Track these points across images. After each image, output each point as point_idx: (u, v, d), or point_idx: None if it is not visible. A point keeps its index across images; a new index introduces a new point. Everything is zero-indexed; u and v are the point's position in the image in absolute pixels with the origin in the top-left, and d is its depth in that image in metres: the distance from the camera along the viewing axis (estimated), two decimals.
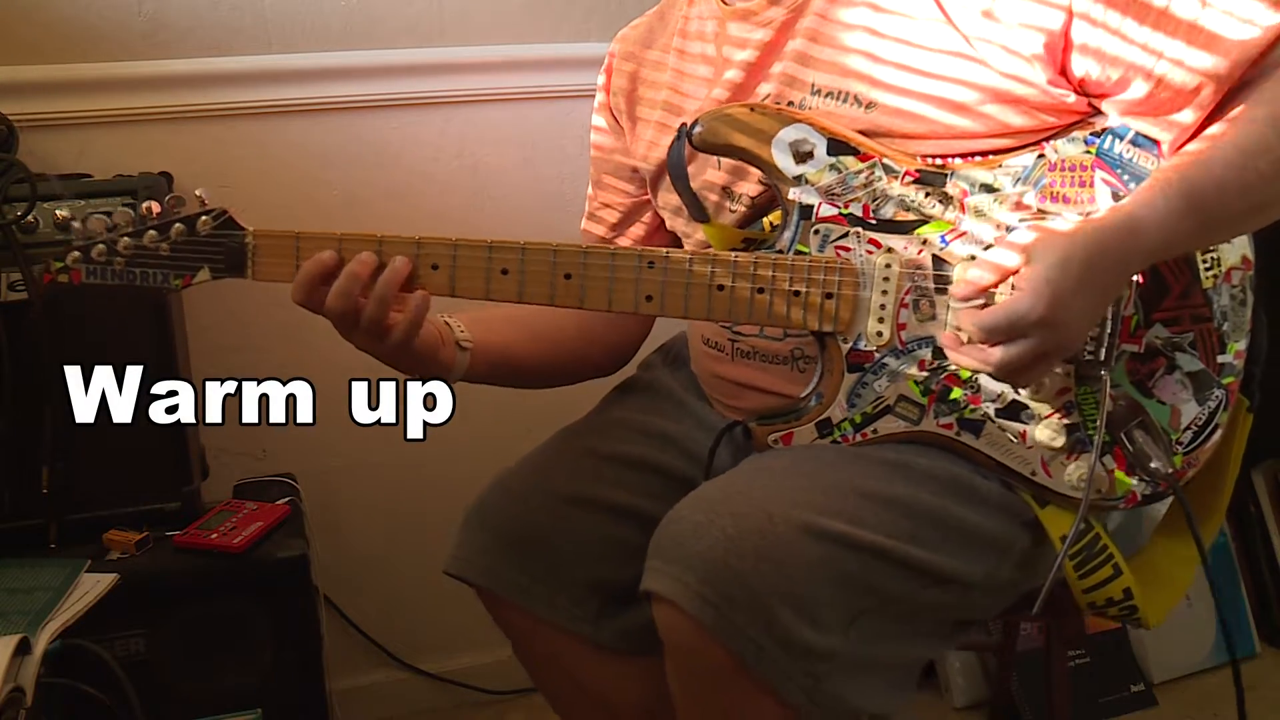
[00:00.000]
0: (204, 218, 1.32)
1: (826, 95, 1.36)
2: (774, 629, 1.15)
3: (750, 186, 1.43)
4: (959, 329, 1.26)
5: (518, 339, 1.54)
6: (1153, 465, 1.30)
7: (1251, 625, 2.49)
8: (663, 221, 1.63)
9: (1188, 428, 1.34)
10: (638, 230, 1.68)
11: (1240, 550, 2.55)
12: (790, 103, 1.39)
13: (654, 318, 1.64)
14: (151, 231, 1.32)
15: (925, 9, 1.31)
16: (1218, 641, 2.44)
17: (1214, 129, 1.24)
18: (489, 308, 1.40)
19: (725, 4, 1.47)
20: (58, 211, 1.74)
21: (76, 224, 1.32)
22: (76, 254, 1.32)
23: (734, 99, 1.43)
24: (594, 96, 1.69)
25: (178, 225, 1.32)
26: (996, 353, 1.19)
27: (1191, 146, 1.25)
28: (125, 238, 1.32)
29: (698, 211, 1.43)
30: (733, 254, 1.32)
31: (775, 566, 1.16)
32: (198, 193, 1.34)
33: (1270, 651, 2.49)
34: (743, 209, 1.44)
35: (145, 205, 1.32)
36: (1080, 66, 1.26)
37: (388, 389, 2.11)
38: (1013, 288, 1.19)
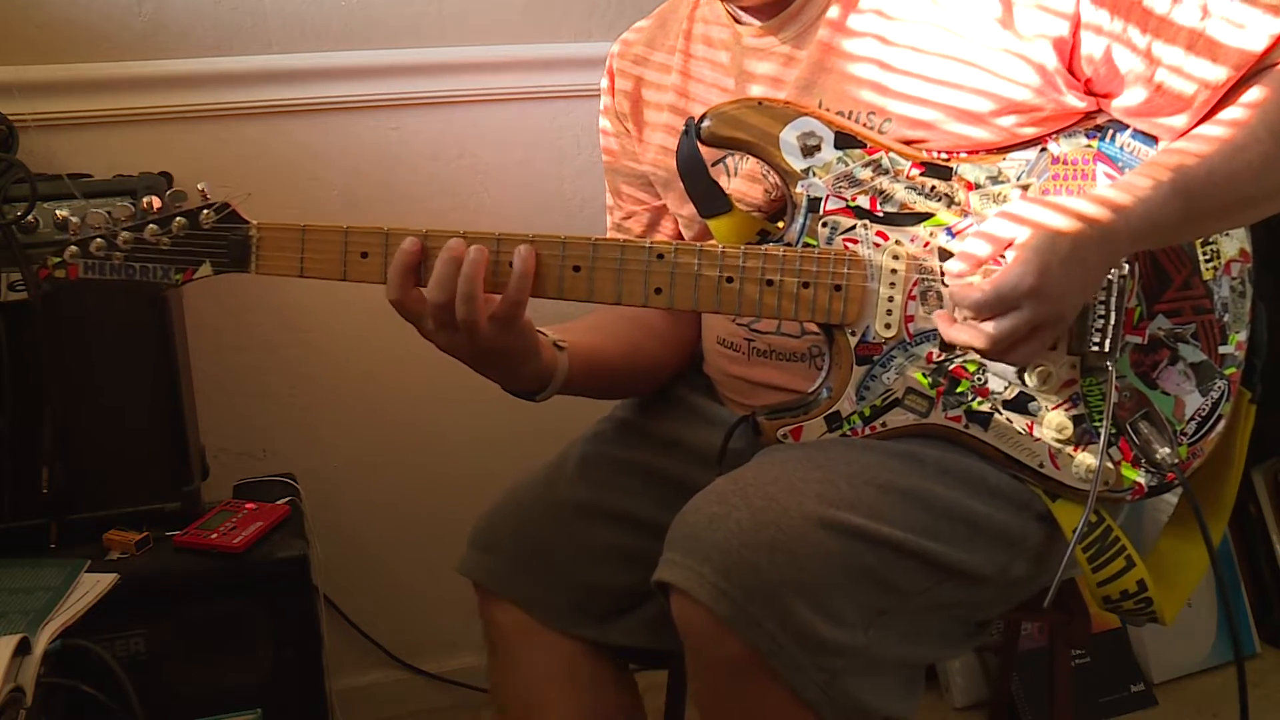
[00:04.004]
0: (206, 211, 1.31)
1: (836, 114, 1.37)
2: (789, 622, 1.15)
3: (756, 192, 1.44)
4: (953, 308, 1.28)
5: (602, 342, 1.51)
6: (1158, 456, 1.31)
7: (1252, 625, 2.50)
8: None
9: (1192, 418, 1.35)
10: (659, 237, 1.66)
11: (1240, 550, 2.56)
12: None
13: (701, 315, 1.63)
14: (152, 225, 1.30)
15: (932, 16, 1.32)
16: (1218, 641, 2.45)
17: (1210, 122, 1.27)
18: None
19: (738, 22, 1.48)
20: (58, 211, 1.73)
21: (75, 219, 1.30)
22: (74, 249, 1.30)
23: None
24: (595, 96, 1.68)
25: (179, 219, 1.31)
26: (989, 326, 1.20)
27: (1186, 136, 1.27)
28: (125, 232, 1.30)
29: (712, 204, 1.38)
30: (741, 247, 1.32)
31: (790, 558, 1.16)
32: (200, 187, 1.33)
33: (1270, 651, 2.50)
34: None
35: (146, 200, 1.31)
36: (1085, 71, 1.29)
37: (388, 390, 2.10)
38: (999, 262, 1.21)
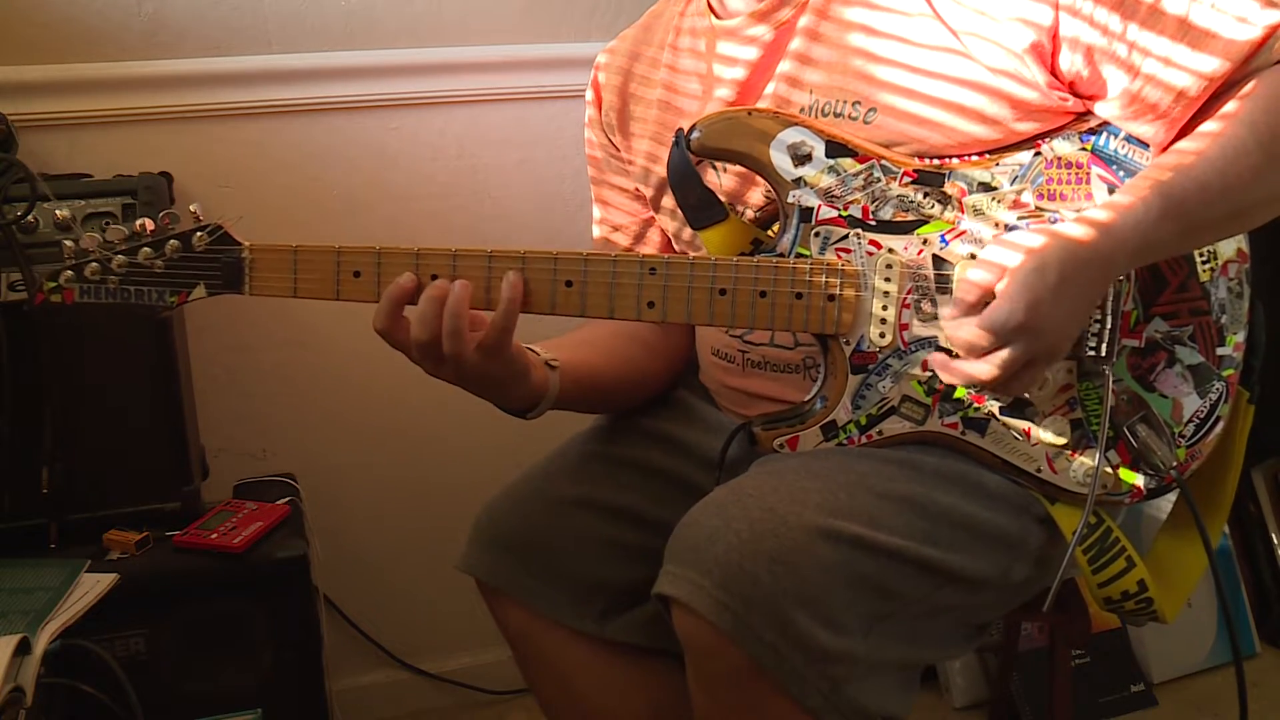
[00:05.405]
0: (199, 233, 1.30)
1: (821, 113, 1.36)
2: (790, 632, 1.15)
3: (757, 196, 1.43)
4: (947, 350, 1.28)
5: (594, 359, 1.51)
6: (1156, 459, 1.31)
7: (1252, 625, 2.50)
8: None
9: (1190, 420, 1.35)
10: (647, 248, 1.66)
11: (1240, 550, 2.55)
12: None
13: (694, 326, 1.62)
14: (146, 249, 1.30)
15: (917, 5, 1.31)
16: (1218, 641, 2.45)
17: (1198, 131, 1.25)
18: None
19: (717, 18, 1.47)
20: (58, 211, 1.74)
21: (69, 242, 1.30)
22: (70, 273, 1.30)
23: None
24: None
25: (173, 241, 1.30)
26: (983, 365, 1.20)
27: (1175, 148, 1.26)
28: (120, 255, 1.30)
29: (706, 214, 1.39)
30: (734, 259, 1.31)
31: (790, 569, 1.16)
32: (191, 208, 1.32)
33: (1270, 651, 2.50)
34: (750, 219, 1.44)
35: (139, 222, 1.31)
36: (1068, 63, 1.27)
37: (388, 390, 2.09)
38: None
